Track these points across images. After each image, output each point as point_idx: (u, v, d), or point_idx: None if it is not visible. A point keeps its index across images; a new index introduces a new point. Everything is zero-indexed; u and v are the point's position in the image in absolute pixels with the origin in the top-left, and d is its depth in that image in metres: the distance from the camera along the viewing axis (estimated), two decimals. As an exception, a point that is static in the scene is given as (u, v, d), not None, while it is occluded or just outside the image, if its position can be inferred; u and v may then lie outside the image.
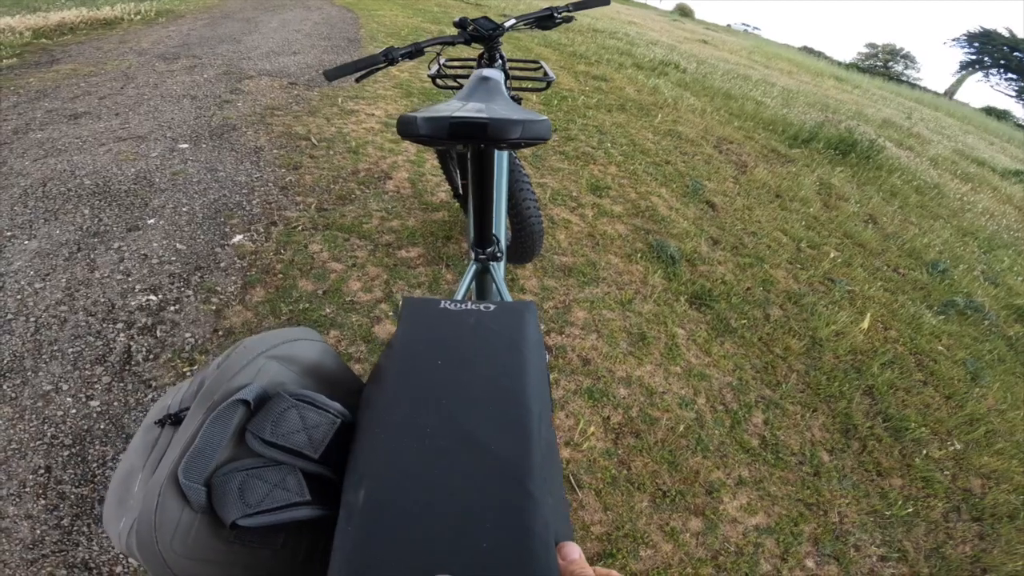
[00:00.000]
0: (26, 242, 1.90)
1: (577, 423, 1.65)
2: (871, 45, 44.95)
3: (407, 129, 0.68)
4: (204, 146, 2.73)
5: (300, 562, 0.44)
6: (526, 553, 0.37)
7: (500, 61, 1.49)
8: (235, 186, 2.40)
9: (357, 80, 1.22)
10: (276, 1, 7.56)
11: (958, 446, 1.98)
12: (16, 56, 4.00)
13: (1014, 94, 34.38)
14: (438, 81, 1.53)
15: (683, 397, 1.83)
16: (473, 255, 1.04)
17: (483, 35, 1.39)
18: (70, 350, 1.56)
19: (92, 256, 1.88)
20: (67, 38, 4.69)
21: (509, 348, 0.50)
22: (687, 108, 4.97)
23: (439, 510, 0.38)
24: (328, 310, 1.84)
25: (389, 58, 1.14)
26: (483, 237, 1.01)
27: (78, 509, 1.25)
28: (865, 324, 2.43)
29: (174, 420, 0.47)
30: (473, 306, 0.55)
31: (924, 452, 1.92)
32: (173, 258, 1.92)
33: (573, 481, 1.51)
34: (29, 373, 1.48)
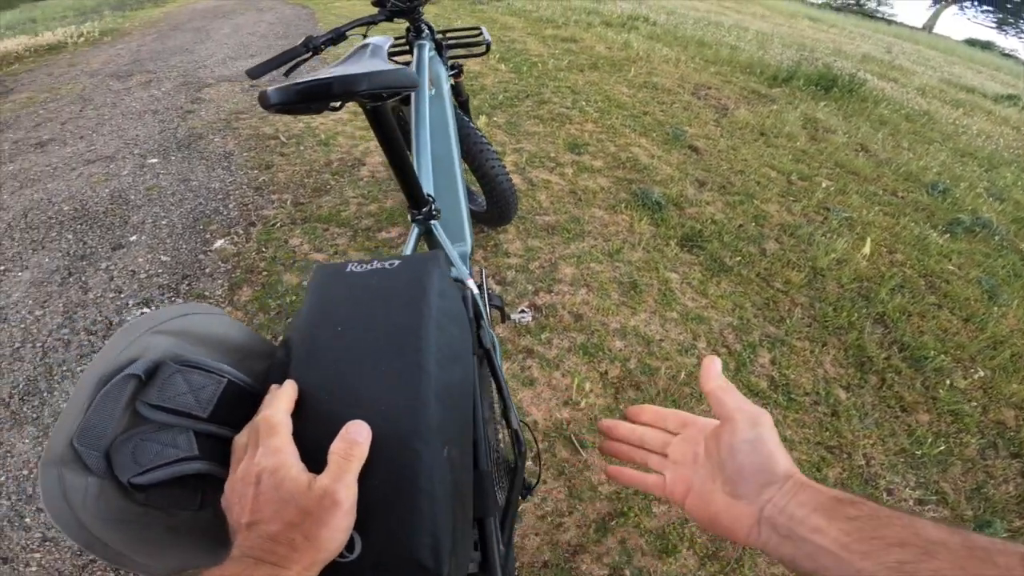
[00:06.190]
0: (19, 273, 1.92)
1: (573, 381, 1.55)
2: (841, -17, 44.00)
3: (263, 102, 0.67)
4: (173, 158, 2.66)
5: (225, 522, 0.44)
6: (409, 501, 0.40)
7: (427, 32, 1.47)
8: (210, 193, 2.36)
9: (286, 74, 1.16)
10: (226, 7, 7.31)
11: (983, 373, 1.86)
12: (-32, 90, 3.86)
13: (994, 25, 33.90)
14: None
15: (682, 343, 1.73)
16: (410, 217, 1.02)
17: (403, 9, 1.35)
18: (79, 369, 1.59)
19: (83, 278, 1.89)
20: (15, 67, 4.54)
21: (405, 305, 0.50)
22: (660, 59, 4.81)
23: None
24: (316, 300, 1.77)
25: (311, 47, 1.11)
26: (413, 197, 0.98)
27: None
28: (867, 249, 2.32)
29: None
30: (379, 264, 0.55)
31: (948, 382, 1.80)
32: (160, 270, 1.92)
33: (575, 441, 1.41)
34: (45, 394, 1.52)
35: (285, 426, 0.41)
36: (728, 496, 0.38)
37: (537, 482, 0.85)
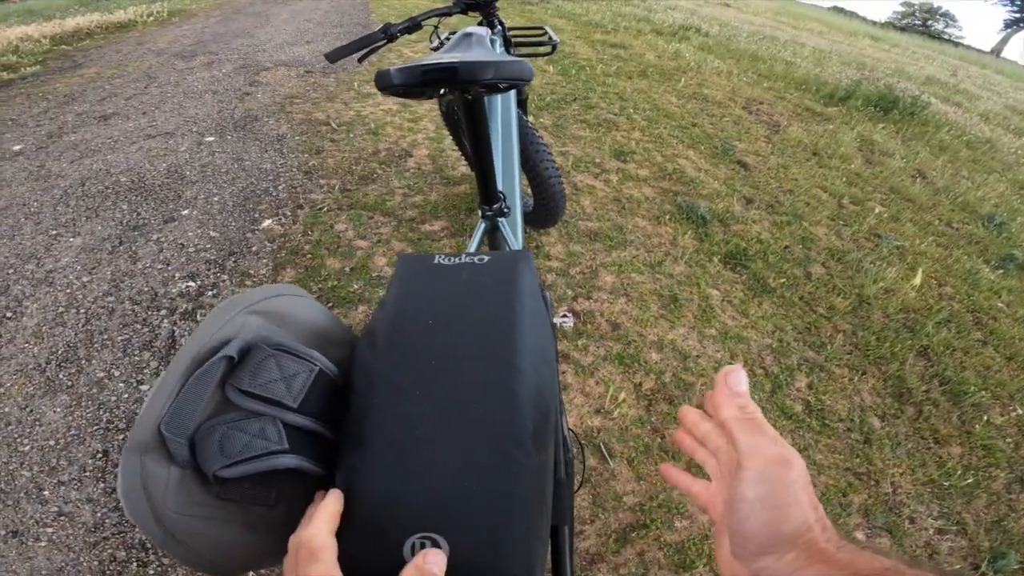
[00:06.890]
0: (71, 239, 1.96)
1: (607, 390, 1.55)
2: (906, 3, 42.22)
3: (383, 82, 0.66)
4: (229, 138, 2.76)
5: (298, 519, 0.42)
6: (505, 508, 0.38)
7: (499, 27, 1.47)
8: (261, 173, 2.43)
9: (360, 60, 1.19)
10: (286, -7, 7.54)
11: (1021, 411, 1.81)
12: (39, 63, 4.08)
13: (1064, 52, 32.21)
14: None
15: (719, 361, 1.71)
16: (480, 213, 1.02)
17: (478, 2, 1.37)
18: (119, 338, 1.60)
19: (133, 248, 1.94)
20: (86, 43, 4.77)
21: (499, 302, 0.48)
22: (712, 71, 4.74)
23: (428, 475, 0.39)
24: (356, 286, 1.82)
25: (388, 34, 1.12)
26: (488, 193, 0.99)
27: (134, 491, 1.27)
28: (917, 280, 2.24)
29: None
30: (467, 259, 0.54)
31: (985, 418, 1.75)
32: (208, 245, 1.96)
33: (604, 450, 1.42)
34: (83, 362, 1.52)
35: (329, 550, 0.35)
36: (729, 547, 0.33)
37: (580, 487, 0.86)
